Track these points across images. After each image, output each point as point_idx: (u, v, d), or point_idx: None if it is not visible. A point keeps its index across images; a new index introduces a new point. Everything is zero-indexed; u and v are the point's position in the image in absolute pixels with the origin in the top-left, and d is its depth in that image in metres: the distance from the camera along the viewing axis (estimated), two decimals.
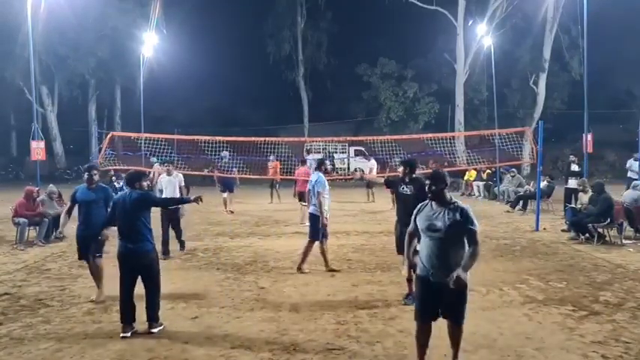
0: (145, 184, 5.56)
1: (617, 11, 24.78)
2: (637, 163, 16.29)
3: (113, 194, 6.34)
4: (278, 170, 17.49)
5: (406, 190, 6.25)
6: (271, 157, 17.57)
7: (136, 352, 4.76)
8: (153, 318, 5.25)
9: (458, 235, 3.96)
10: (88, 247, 6.30)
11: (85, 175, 6.41)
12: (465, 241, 4.00)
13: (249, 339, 5.06)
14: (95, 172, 6.43)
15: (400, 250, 6.06)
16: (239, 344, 4.93)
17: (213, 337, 5.11)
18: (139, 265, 5.20)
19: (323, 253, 7.77)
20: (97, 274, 6.37)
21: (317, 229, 7.61)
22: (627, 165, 16.23)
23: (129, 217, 5.19)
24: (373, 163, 18.54)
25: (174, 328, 5.39)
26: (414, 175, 6.34)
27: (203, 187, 23.78)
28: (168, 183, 9.14)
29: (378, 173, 17.39)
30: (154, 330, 5.21)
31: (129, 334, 5.10)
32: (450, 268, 3.89)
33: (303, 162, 15.67)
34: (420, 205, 4.22)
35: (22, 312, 5.95)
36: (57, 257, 9.04)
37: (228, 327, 5.42)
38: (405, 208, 6.08)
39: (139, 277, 5.27)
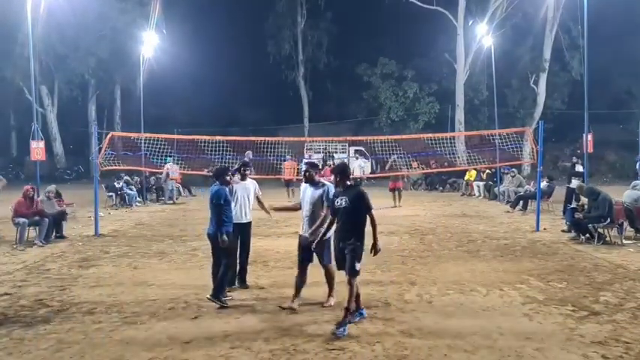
0: (228, 178, 6.46)
1: (617, 11, 24.77)
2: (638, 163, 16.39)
3: None
4: (294, 170, 17.43)
5: (341, 202, 5.36)
6: (288, 157, 17.56)
7: (135, 352, 4.76)
8: (216, 291, 6.15)
9: None
10: None
11: None
12: None
13: (249, 339, 5.05)
14: None
15: (340, 266, 5.57)
16: (239, 344, 4.92)
17: (213, 337, 5.11)
18: (214, 245, 6.37)
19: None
20: None
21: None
22: (637, 166, 16.32)
23: (210, 206, 6.28)
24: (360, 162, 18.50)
25: (174, 328, 5.39)
26: (348, 183, 5.48)
27: (206, 186, 23.90)
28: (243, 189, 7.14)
29: (378, 173, 17.39)
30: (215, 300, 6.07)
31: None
32: None
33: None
34: None
35: (22, 312, 5.95)
36: (57, 257, 9.04)
37: (228, 327, 5.41)
38: (342, 224, 5.41)
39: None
